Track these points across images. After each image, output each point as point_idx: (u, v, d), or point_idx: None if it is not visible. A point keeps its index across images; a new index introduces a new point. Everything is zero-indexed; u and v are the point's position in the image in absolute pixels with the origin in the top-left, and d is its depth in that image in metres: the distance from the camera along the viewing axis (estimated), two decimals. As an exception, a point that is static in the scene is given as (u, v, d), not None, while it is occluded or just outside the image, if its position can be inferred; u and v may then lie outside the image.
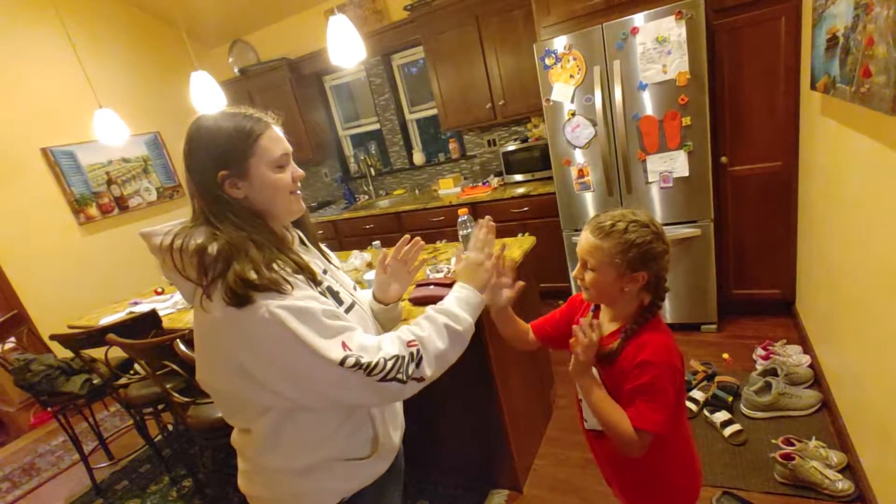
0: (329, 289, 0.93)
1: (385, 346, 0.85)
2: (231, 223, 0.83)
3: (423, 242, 1.17)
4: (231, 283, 0.76)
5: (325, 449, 0.91)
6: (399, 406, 1.10)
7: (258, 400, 0.85)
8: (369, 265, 2.29)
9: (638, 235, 0.93)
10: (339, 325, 0.82)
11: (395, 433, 1.05)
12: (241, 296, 0.76)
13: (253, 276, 0.77)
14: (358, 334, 0.84)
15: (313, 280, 0.88)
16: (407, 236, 1.17)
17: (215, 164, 0.84)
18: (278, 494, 0.94)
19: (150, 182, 4.21)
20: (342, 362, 0.78)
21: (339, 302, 0.93)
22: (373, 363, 0.80)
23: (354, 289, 1.09)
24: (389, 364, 0.82)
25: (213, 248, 0.79)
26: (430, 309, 0.94)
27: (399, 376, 0.83)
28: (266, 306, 0.77)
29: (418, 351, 0.86)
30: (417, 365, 0.85)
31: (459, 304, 0.96)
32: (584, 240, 0.99)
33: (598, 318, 1.08)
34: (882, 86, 1.11)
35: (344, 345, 0.80)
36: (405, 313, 1.68)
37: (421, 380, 0.86)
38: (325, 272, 1.00)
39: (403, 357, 0.84)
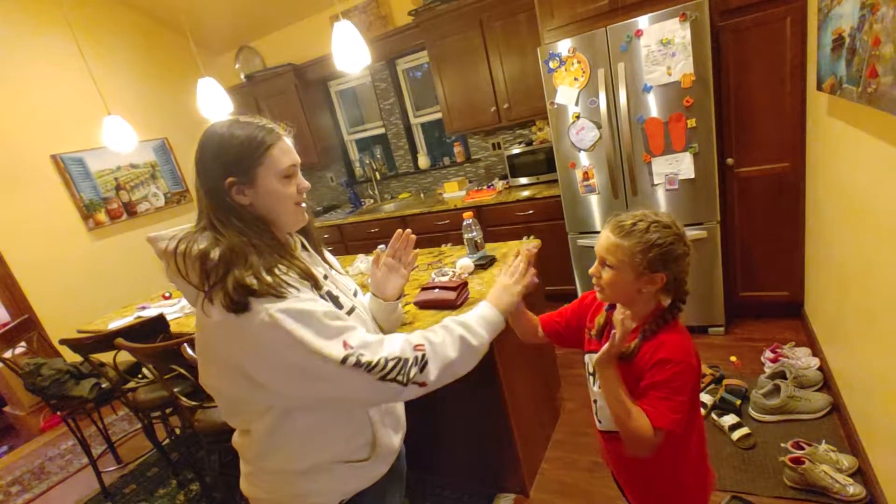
0: (329, 293, 0.94)
1: (389, 346, 0.85)
2: (234, 228, 0.84)
3: (413, 236, 1.19)
4: (230, 290, 0.77)
5: (323, 451, 0.92)
6: (400, 408, 1.10)
7: (259, 400, 0.87)
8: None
9: (660, 236, 0.92)
10: (339, 325, 0.83)
11: (395, 436, 1.05)
12: (238, 302, 0.77)
13: (252, 281, 0.78)
14: (360, 332, 0.84)
15: (315, 285, 0.89)
16: (399, 230, 1.19)
17: (224, 170, 0.85)
18: (279, 496, 0.95)
19: (157, 188, 4.25)
20: (343, 361, 0.79)
21: (339, 306, 0.94)
22: (373, 362, 0.81)
23: (355, 294, 1.09)
24: (391, 364, 0.82)
25: (214, 254, 0.80)
26: (448, 319, 0.96)
27: (399, 378, 0.83)
28: (265, 311, 0.77)
29: (423, 356, 0.86)
30: (421, 369, 0.86)
31: (479, 321, 0.97)
32: (604, 238, 0.98)
33: (611, 318, 1.06)
34: (889, 86, 1.10)
35: (345, 343, 0.81)
36: (409, 317, 1.68)
37: (423, 385, 0.86)
38: (325, 277, 1.01)
39: (407, 360, 0.84)
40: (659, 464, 1.03)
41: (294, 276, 0.86)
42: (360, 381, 0.81)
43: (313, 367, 0.79)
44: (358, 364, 0.80)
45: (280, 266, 0.85)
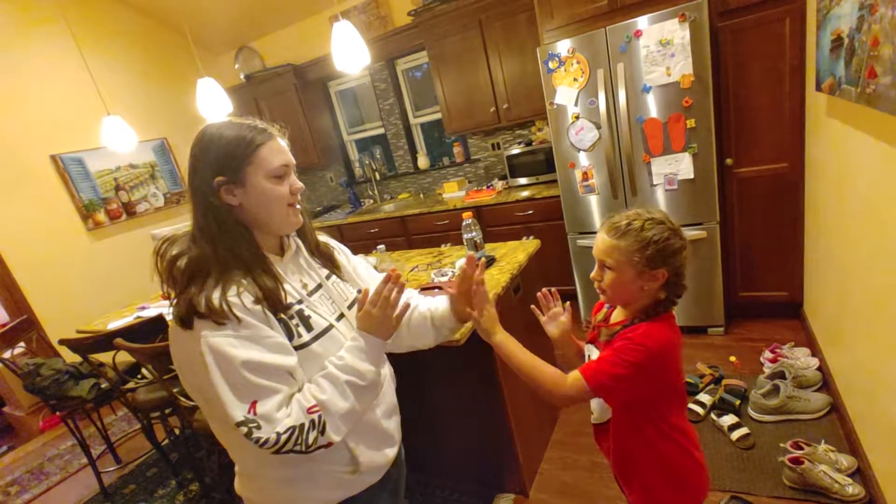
0: (299, 313, 0.91)
1: (284, 418, 0.81)
2: (209, 236, 0.85)
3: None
4: (181, 307, 0.80)
5: (300, 465, 0.91)
6: (388, 423, 1.06)
7: (215, 414, 0.87)
8: (374, 269, 2.29)
9: (655, 232, 0.93)
10: (257, 383, 0.80)
11: (379, 452, 1.02)
12: (184, 320, 0.80)
13: (199, 302, 0.79)
14: (272, 402, 0.80)
15: (275, 307, 0.86)
16: (464, 267, 1.08)
17: (214, 169, 0.85)
18: (268, 499, 0.95)
19: (157, 188, 4.24)
20: (238, 425, 0.78)
21: (309, 328, 0.91)
22: (263, 439, 0.78)
23: (352, 304, 1.04)
24: (284, 437, 0.79)
25: (181, 262, 0.83)
26: (330, 365, 0.89)
27: (297, 447, 0.80)
28: (199, 337, 0.79)
29: (320, 417, 0.83)
30: (322, 432, 0.82)
31: (359, 356, 0.90)
32: (601, 241, 0.99)
33: (610, 314, 1.09)
34: (888, 87, 1.10)
35: (252, 406, 0.79)
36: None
37: (328, 445, 0.84)
38: (318, 287, 0.99)
39: (302, 425, 0.81)
40: (643, 452, 1.04)
41: (248, 297, 0.83)
42: (253, 449, 0.80)
43: (219, 410, 0.80)
44: (249, 436, 0.78)
45: (242, 282, 0.84)
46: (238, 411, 0.78)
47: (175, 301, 0.83)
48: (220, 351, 0.78)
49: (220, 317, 0.79)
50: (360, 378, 0.89)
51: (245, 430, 0.78)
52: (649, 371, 0.93)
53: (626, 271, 0.95)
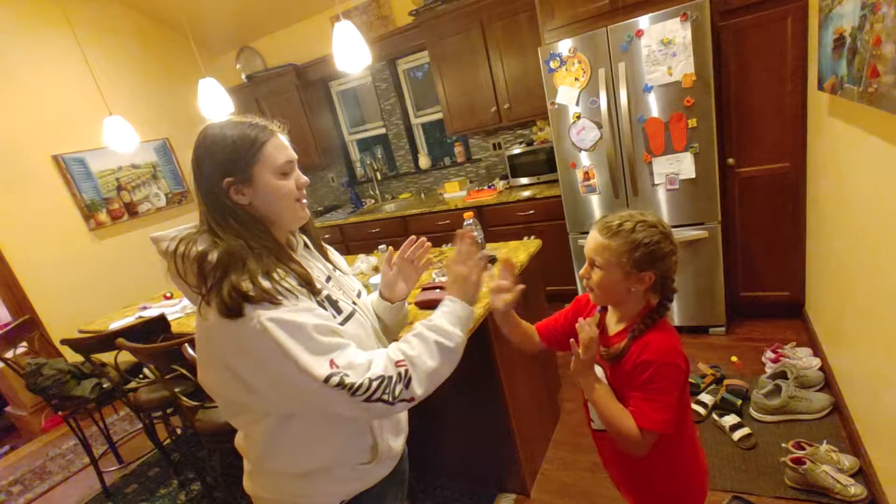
0: (328, 297, 0.93)
1: (374, 366, 0.84)
2: (232, 231, 0.85)
3: (429, 243, 1.18)
4: (224, 295, 0.78)
5: (323, 456, 0.92)
6: (402, 413, 1.09)
7: (254, 404, 0.87)
8: (375, 269, 2.29)
9: (645, 235, 0.93)
10: (330, 341, 0.82)
11: (396, 440, 1.05)
12: (232, 308, 0.77)
13: (247, 286, 0.78)
14: (349, 351, 0.83)
15: (312, 290, 0.88)
16: (413, 237, 1.18)
17: (221, 171, 0.85)
18: (279, 496, 0.95)
19: (159, 188, 4.25)
20: (326, 380, 0.78)
21: (338, 311, 0.93)
22: (356, 384, 0.80)
23: (359, 295, 1.08)
24: (375, 384, 0.81)
25: (212, 256, 0.81)
26: (419, 325, 0.93)
27: (385, 397, 0.82)
28: (257, 317, 0.77)
29: (406, 371, 0.85)
30: (407, 385, 0.85)
31: (449, 319, 0.94)
32: (592, 239, 0.99)
33: (604, 319, 1.07)
34: (890, 86, 1.10)
35: (332, 362, 0.80)
36: (410, 316, 1.68)
37: (411, 400, 0.86)
38: (328, 279, 1.01)
39: (391, 377, 0.83)
40: (648, 462, 1.03)
41: (292, 281, 0.85)
42: (342, 400, 0.80)
43: (297, 380, 0.79)
44: (341, 385, 0.79)
45: (278, 270, 0.84)
46: (322, 368, 0.79)
47: (209, 294, 0.79)
48: (287, 320, 0.79)
49: (275, 297, 0.79)
50: (448, 339, 0.92)
51: (336, 379, 0.78)
52: (682, 386, 0.94)
53: (614, 271, 0.95)
